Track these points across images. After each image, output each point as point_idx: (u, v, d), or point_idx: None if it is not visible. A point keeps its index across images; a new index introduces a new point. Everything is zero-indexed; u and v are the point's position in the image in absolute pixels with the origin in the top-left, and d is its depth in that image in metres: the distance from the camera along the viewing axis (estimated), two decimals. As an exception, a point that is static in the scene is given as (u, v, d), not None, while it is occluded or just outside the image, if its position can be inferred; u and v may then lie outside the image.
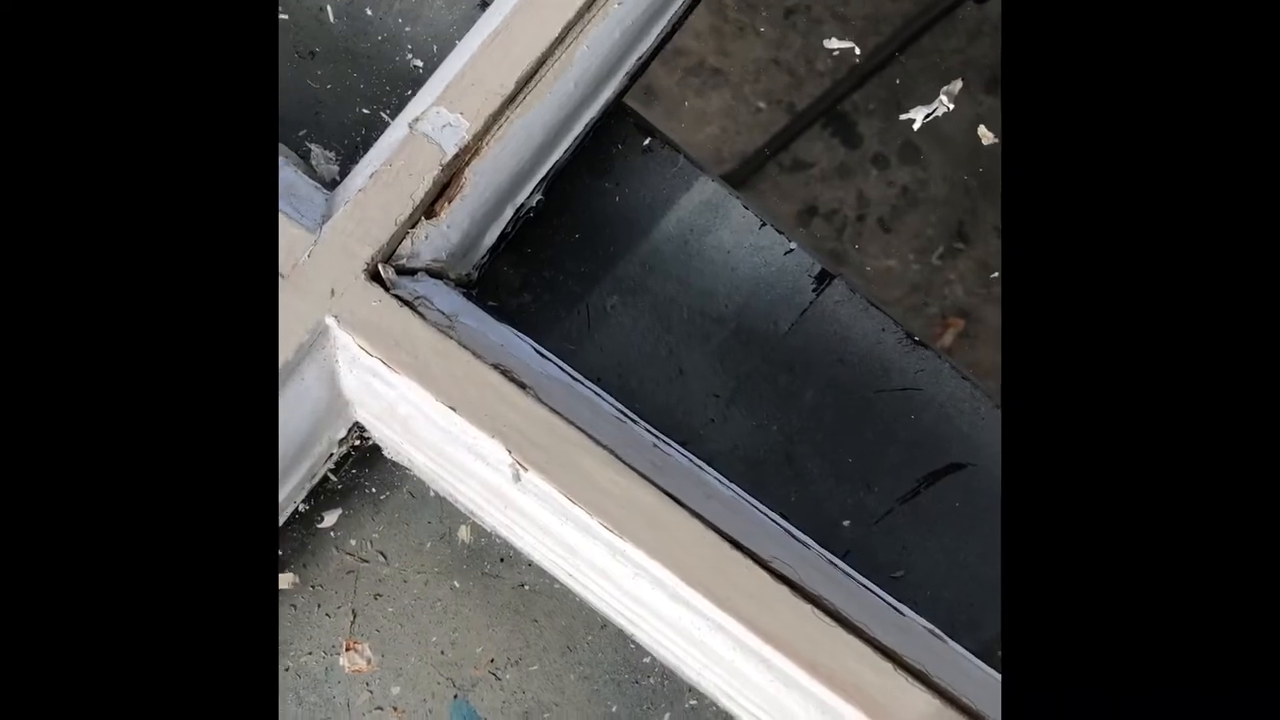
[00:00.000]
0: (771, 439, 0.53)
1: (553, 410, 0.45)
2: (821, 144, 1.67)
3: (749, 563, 0.44)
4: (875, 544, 0.52)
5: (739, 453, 0.53)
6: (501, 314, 0.50)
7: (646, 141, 0.54)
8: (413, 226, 0.48)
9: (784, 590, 0.44)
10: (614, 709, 0.50)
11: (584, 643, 0.51)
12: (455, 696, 0.50)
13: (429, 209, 0.48)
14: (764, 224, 0.55)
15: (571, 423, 0.45)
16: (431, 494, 0.52)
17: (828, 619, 0.43)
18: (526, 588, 0.51)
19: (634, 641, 0.48)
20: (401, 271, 0.48)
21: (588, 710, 0.50)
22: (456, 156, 0.48)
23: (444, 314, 0.47)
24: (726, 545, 0.44)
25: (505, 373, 0.46)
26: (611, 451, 0.45)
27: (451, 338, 0.46)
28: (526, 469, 0.45)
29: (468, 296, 0.49)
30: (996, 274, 1.50)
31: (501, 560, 0.52)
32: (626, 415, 0.47)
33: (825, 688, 0.43)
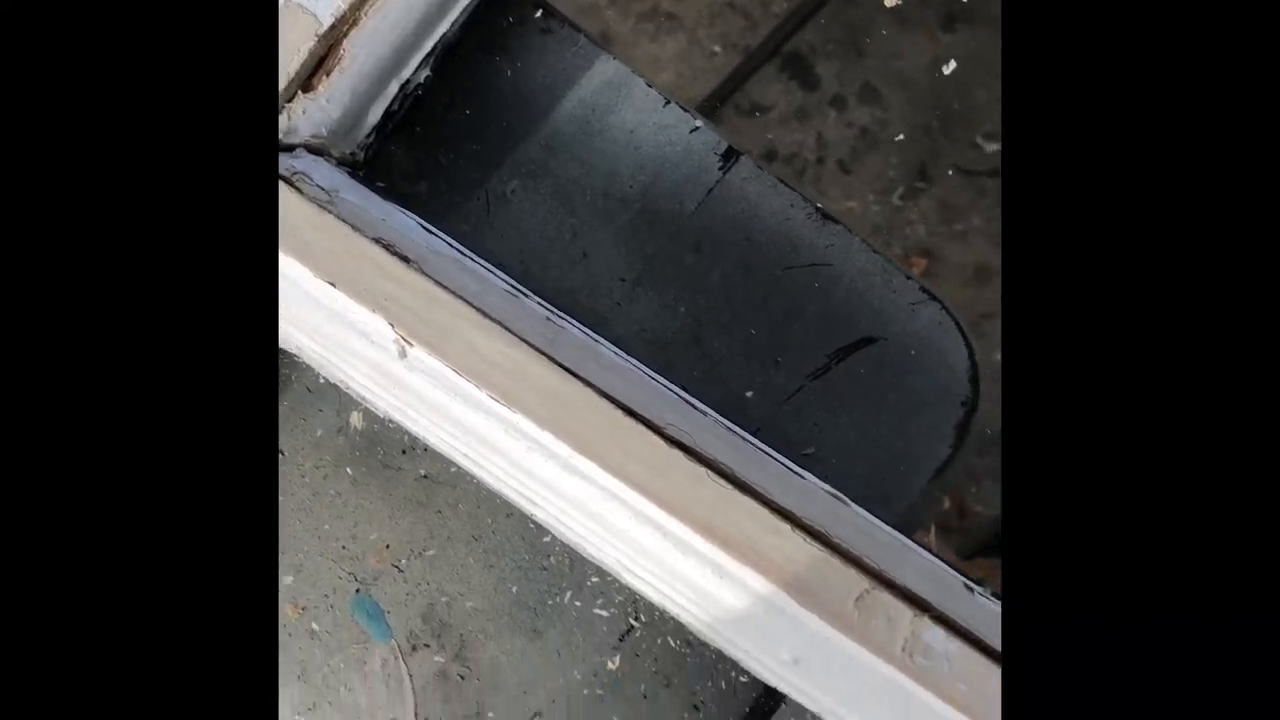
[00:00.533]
0: (679, 320, 0.51)
1: (437, 283, 0.44)
2: (779, 87, 1.65)
3: (643, 429, 0.43)
4: (785, 421, 0.50)
5: (646, 334, 0.51)
6: (393, 198, 0.48)
7: (539, 12, 0.52)
8: (289, 100, 0.46)
9: (678, 454, 0.42)
10: (515, 590, 0.48)
11: (489, 531, 0.49)
12: (357, 591, 0.49)
13: (306, 82, 0.46)
14: (668, 102, 0.54)
15: (458, 295, 0.44)
16: (323, 382, 0.50)
17: (723, 482, 0.42)
18: (428, 478, 0.50)
19: (533, 522, 0.47)
20: (279, 148, 0.46)
21: (493, 598, 0.49)
22: (333, 27, 0.46)
23: (323, 189, 0.45)
24: (620, 413, 0.43)
25: (387, 246, 0.44)
26: (500, 324, 0.44)
27: (330, 212, 0.44)
28: (411, 344, 0.44)
29: (353, 177, 0.47)
30: (960, 222, 1.49)
31: (403, 452, 0.50)
32: (518, 290, 0.46)
33: (721, 550, 0.41)
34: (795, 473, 0.44)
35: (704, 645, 0.46)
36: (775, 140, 1.59)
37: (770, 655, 0.42)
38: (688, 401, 0.44)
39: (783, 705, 0.49)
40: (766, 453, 0.44)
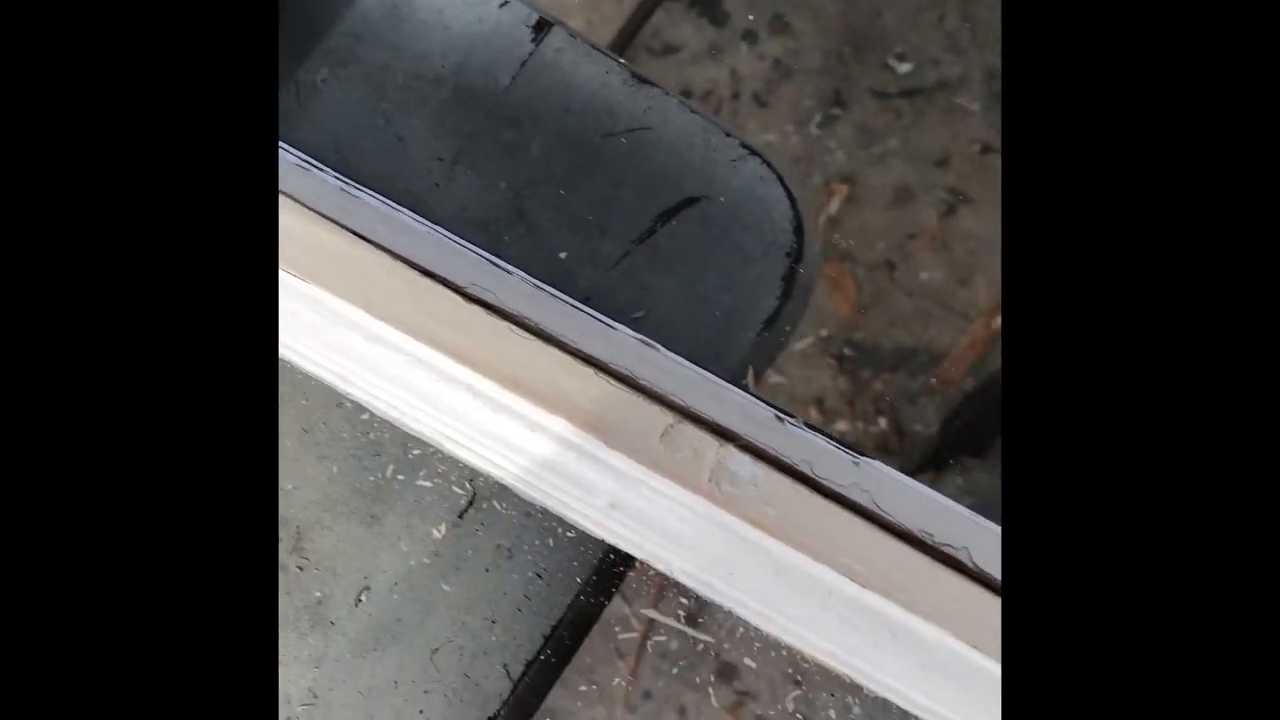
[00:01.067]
0: (500, 196, 0.51)
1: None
2: (689, 25, 1.64)
3: (441, 289, 0.42)
4: (614, 288, 0.50)
5: (468, 214, 0.51)
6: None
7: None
8: None
9: (479, 311, 0.42)
10: (349, 478, 0.48)
11: (319, 424, 0.49)
12: (192, 492, 0.48)
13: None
14: (475, -21, 0.53)
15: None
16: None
17: (526, 334, 0.42)
18: (255, 373, 0.49)
19: (353, 403, 0.46)
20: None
21: (328, 489, 0.48)
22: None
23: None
24: (416, 274, 0.42)
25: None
26: (291, 198, 0.43)
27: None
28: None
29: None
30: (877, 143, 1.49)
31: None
32: (310, 164, 0.45)
33: (529, 402, 0.41)
34: (604, 323, 0.43)
35: (544, 511, 0.46)
36: (690, 78, 1.58)
37: (588, 504, 0.42)
38: (491, 261, 0.44)
39: (633, 570, 0.49)
40: (570, 303, 0.44)
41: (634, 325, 0.49)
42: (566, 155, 0.51)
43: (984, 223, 1.47)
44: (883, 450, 1.37)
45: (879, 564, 0.38)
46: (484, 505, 0.46)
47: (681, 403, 0.41)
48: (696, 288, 0.50)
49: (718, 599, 0.41)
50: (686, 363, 0.43)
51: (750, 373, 0.47)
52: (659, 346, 0.43)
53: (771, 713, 1.22)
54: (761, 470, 0.40)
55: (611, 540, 0.41)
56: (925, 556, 0.38)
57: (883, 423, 1.39)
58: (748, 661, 1.21)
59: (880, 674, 0.39)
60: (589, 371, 0.41)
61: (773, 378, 1.43)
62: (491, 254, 0.45)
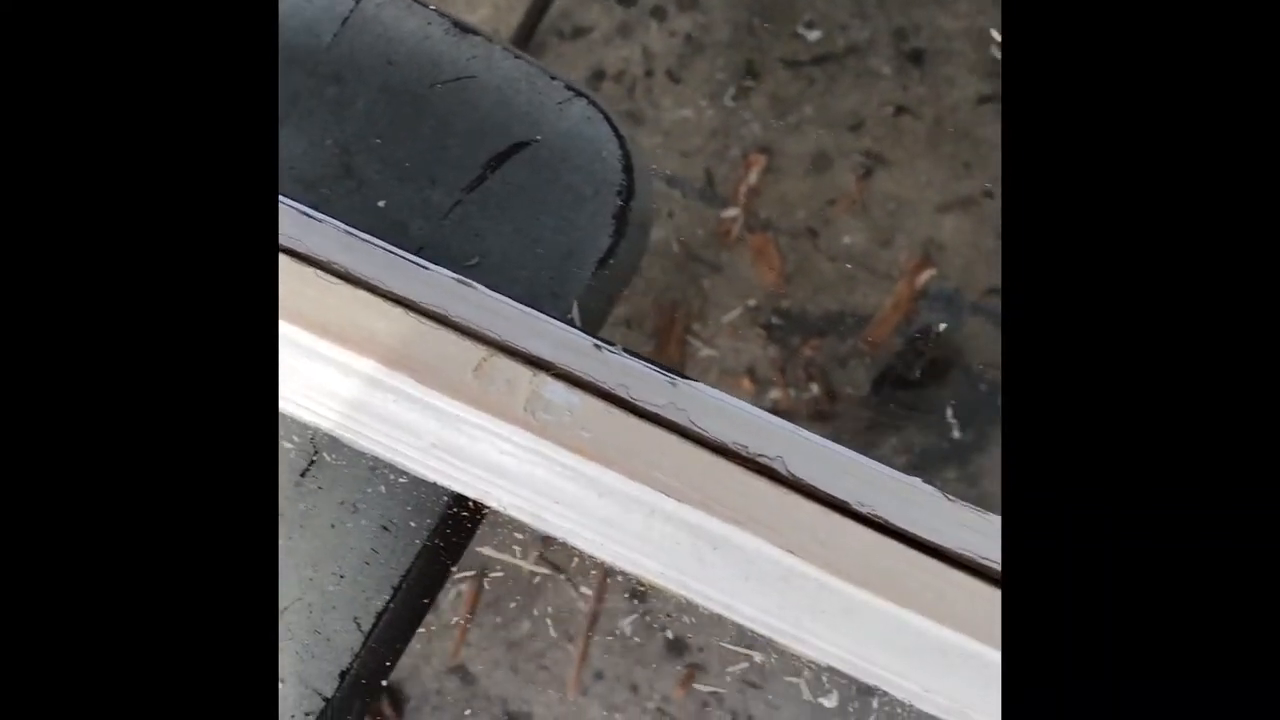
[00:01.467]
0: (327, 154, 0.50)
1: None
2: (598, 6, 1.64)
3: (249, 241, 0.42)
4: (447, 237, 0.50)
5: (295, 173, 0.50)
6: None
7: None
8: None
9: (287, 259, 0.41)
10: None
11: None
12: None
13: None
14: (292, -60, 0.52)
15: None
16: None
17: (333, 279, 0.41)
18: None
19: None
20: None
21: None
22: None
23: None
24: (223, 228, 0.42)
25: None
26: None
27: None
28: None
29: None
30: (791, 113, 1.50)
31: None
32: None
33: (340, 346, 0.41)
34: (416, 264, 0.43)
35: (379, 462, 0.45)
36: (602, 59, 1.58)
37: (412, 446, 0.41)
38: (301, 211, 0.43)
39: (484, 519, 0.49)
40: (385, 248, 0.43)
41: (468, 273, 0.49)
42: (391, 109, 0.51)
43: (901, 184, 1.48)
44: (817, 414, 1.38)
45: (694, 478, 0.38)
46: (325, 461, 0.46)
47: (495, 336, 0.41)
48: (530, 231, 0.50)
49: (550, 530, 0.41)
50: (504, 298, 0.43)
51: (575, 308, 0.47)
52: (475, 284, 0.43)
53: (610, 638, 1.23)
54: (577, 396, 0.40)
55: (441, 481, 0.41)
56: (740, 468, 0.38)
57: (815, 388, 1.39)
58: (584, 589, 1.22)
59: (707, 588, 0.39)
60: (398, 311, 0.41)
61: (703, 350, 1.44)
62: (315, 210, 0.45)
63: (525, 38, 1.54)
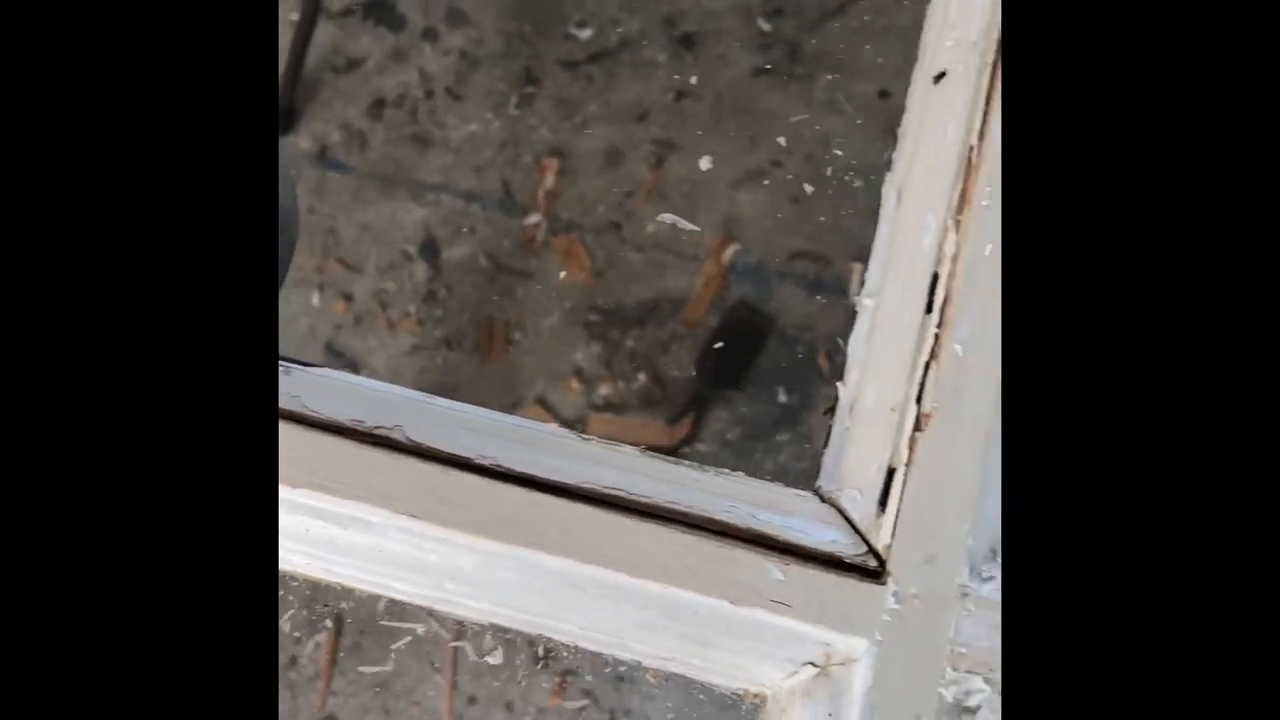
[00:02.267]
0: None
1: None
2: (368, 36, 1.62)
3: None
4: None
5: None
6: None
7: None
8: None
9: None
10: None
11: None
12: None
13: None
14: None
15: None
16: None
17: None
18: None
19: None
20: None
21: None
22: None
23: None
24: None
25: None
26: None
27: None
28: None
29: None
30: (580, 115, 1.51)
31: None
32: None
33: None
34: None
35: None
36: (380, 87, 1.57)
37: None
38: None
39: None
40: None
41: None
42: None
43: (693, 166, 1.51)
44: (647, 402, 1.39)
45: (314, 463, 0.38)
46: None
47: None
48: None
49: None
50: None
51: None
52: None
53: (478, 661, 1.24)
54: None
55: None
56: (358, 444, 0.38)
57: (642, 377, 1.41)
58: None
59: (357, 572, 0.39)
60: None
61: (527, 358, 1.43)
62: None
63: (293, 78, 1.52)
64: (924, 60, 0.41)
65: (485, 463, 0.37)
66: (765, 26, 1.56)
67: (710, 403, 1.45)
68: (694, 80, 1.53)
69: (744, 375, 1.45)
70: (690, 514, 0.36)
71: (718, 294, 1.46)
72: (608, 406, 1.41)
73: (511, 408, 1.42)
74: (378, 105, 1.56)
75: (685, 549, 0.35)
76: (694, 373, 1.44)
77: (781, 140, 1.50)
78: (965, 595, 0.35)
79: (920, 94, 0.40)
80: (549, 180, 1.56)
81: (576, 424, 1.42)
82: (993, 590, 0.35)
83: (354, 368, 1.30)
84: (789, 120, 1.51)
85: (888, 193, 0.40)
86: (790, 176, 1.49)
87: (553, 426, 0.39)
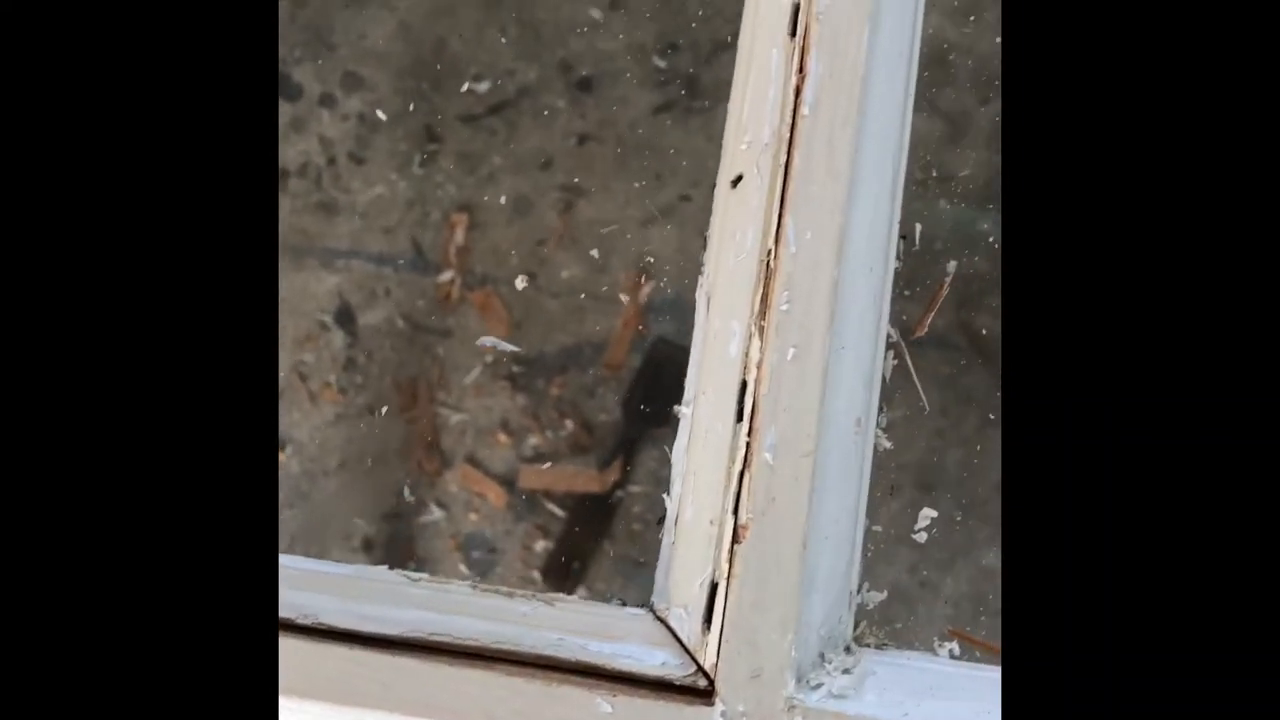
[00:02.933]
0: None
1: None
2: (264, 108, 1.61)
3: None
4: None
5: None
6: None
7: None
8: None
9: None
10: None
11: None
12: None
13: None
14: None
15: None
16: None
17: None
18: None
19: None
20: None
21: None
22: None
23: None
24: None
25: None
26: None
27: None
28: None
29: None
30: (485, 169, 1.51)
31: None
32: None
33: None
34: None
35: None
36: (282, 158, 1.56)
37: None
38: None
39: None
40: None
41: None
42: None
43: (602, 209, 1.51)
44: (577, 448, 1.38)
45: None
46: None
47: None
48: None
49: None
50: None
51: None
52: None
53: None
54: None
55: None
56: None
57: (570, 424, 1.40)
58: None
59: None
60: None
61: (454, 417, 1.42)
62: None
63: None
64: (724, 163, 0.41)
65: (306, 622, 0.37)
66: (660, 63, 1.57)
67: (639, 443, 1.45)
68: (595, 123, 1.54)
69: (671, 411, 1.45)
70: (518, 652, 0.36)
71: (637, 333, 1.47)
72: (538, 457, 1.40)
73: (441, 469, 1.41)
74: (281, 176, 1.55)
75: (511, 692, 0.35)
76: (621, 414, 1.44)
77: (688, 175, 1.51)
78: (793, 708, 0.35)
79: (722, 198, 0.41)
80: (459, 236, 1.56)
81: (507, 479, 1.41)
82: (821, 699, 0.35)
83: (279, 445, 1.28)
84: (693, 154, 1.52)
85: (699, 298, 0.40)
86: (700, 210, 1.50)
87: (381, 570, 0.38)
